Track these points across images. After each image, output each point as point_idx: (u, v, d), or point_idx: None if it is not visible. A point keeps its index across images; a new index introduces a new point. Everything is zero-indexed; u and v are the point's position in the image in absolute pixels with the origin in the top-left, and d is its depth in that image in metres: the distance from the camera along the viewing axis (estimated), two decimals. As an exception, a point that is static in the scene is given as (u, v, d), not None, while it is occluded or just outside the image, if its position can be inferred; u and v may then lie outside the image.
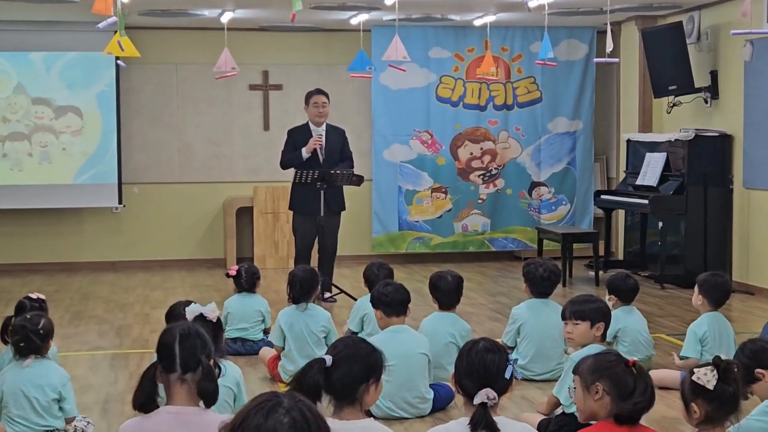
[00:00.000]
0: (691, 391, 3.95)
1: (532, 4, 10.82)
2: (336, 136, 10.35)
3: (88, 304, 10.34)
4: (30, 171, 12.60)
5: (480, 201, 13.40)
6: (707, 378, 3.90)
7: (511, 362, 3.92)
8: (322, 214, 9.98)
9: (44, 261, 12.80)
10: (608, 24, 9.24)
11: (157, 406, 3.81)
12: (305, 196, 10.04)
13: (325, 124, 10.28)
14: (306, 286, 7.17)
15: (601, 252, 12.16)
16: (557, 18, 12.01)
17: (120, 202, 12.84)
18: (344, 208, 10.36)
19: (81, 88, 12.63)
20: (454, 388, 4.02)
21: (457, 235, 13.35)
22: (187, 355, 3.79)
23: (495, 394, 3.82)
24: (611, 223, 12.72)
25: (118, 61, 11.17)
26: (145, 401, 3.78)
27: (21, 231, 12.83)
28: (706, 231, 10.90)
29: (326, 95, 10.36)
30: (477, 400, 3.82)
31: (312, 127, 10.24)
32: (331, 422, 3.77)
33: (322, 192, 9.95)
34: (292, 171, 10.20)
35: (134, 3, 10.65)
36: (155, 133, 13.12)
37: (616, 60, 10.13)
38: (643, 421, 4.12)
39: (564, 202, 13.56)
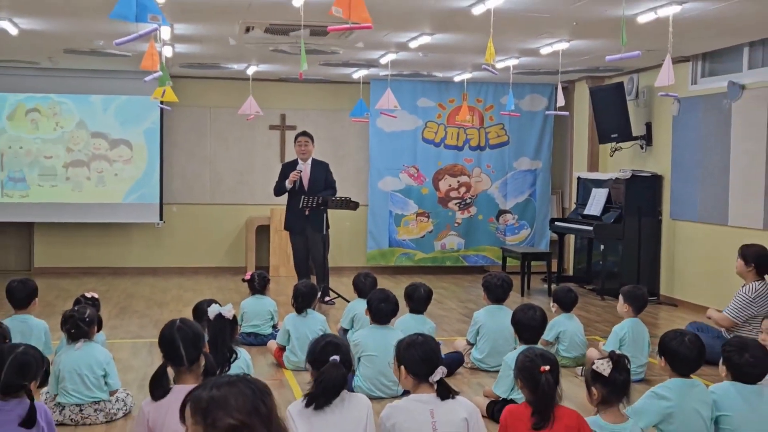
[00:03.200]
0: (591, 378, 4.21)
1: (500, 66, 11.11)
2: (320, 169, 10.50)
3: (132, 302, 10.56)
4: (88, 192, 12.79)
5: (456, 224, 13.59)
6: (603, 367, 4.16)
7: (441, 344, 4.25)
8: (312, 232, 10.18)
9: (97, 266, 13.02)
10: (559, 84, 9.50)
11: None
12: (293, 218, 10.28)
13: (311, 159, 10.47)
14: (306, 299, 7.36)
15: (555, 269, 12.40)
16: (522, 76, 12.27)
17: (161, 219, 13.02)
18: (326, 228, 10.28)
19: (131, 125, 12.83)
20: (403, 376, 4.20)
21: (436, 252, 13.54)
22: (191, 352, 4.03)
23: (446, 370, 4.15)
24: (563, 245, 12.91)
25: (162, 106, 11.43)
26: (162, 394, 4.00)
27: (79, 241, 13.04)
28: (640, 253, 11.03)
29: (309, 136, 10.51)
30: (436, 377, 4.10)
31: (299, 161, 10.46)
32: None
33: (309, 214, 10.14)
34: (285, 198, 10.52)
35: (176, 56, 10.95)
36: (191, 163, 13.34)
37: (566, 113, 10.37)
38: (566, 402, 4.39)
39: (525, 227, 13.76)
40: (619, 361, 4.20)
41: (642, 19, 7.67)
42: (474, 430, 4.09)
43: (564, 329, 7.40)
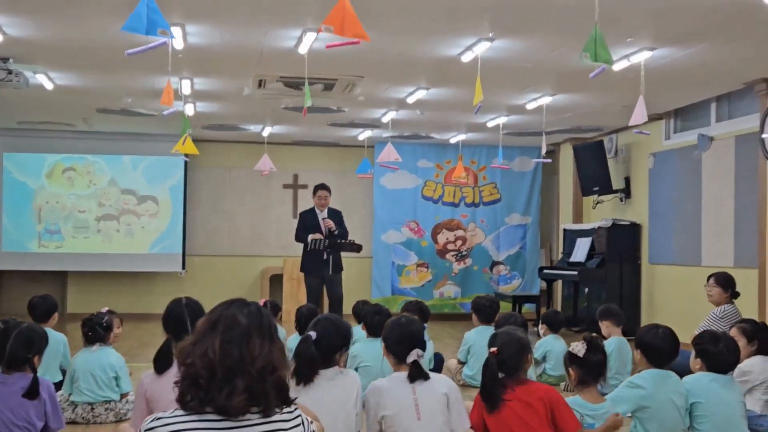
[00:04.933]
0: (568, 359, 4.01)
1: (490, 125, 11.07)
2: (334, 216, 10.14)
3: (155, 338, 10.32)
4: (117, 243, 12.70)
5: (453, 274, 13.41)
6: (578, 348, 3.96)
7: (425, 327, 4.00)
8: (330, 273, 9.88)
9: (125, 312, 12.72)
10: (543, 135, 9.44)
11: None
12: (312, 261, 9.99)
13: (327, 207, 10.26)
14: (309, 321, 7.15)
15: (544, 314, 12.13)
16: (512, 138, 12.20)
17: (183, 268, 12.91)
18: (342, 269, 10.00)
19: (158, 182, 12.79)
20: (384, 353, 3.99)
21: (435, 300, 13.30)
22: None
23: (422, 352, 3.89)
24: (552, 292, 12.70)
25: (185, 158, 11.38)
26: (166, 367, 3.83)
27: (109, 288, 12.88)
28: (622, 296, 10.85)
29: (328, 189, 10.12)
30: (410, 359, 3.86)
31: (317, 210, 10.09)
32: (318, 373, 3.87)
33: (328, 257, 9.85)
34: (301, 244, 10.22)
35: (198, 116, 10.92)
36: (212, 217, 13.24)
37: (549, 160, 10.31)
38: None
39: (517, 277, 13.55)
40: (592, 342, 4.00)
41: (616, 67, 7.59)
42: (453, 404, 3.87)
43: (551, 349, 7.19)
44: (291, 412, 2.29)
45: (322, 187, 10.24)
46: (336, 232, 9.82)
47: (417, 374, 3.85)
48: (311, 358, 3.78)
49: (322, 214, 10.09)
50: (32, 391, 3.68)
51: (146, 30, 4.43)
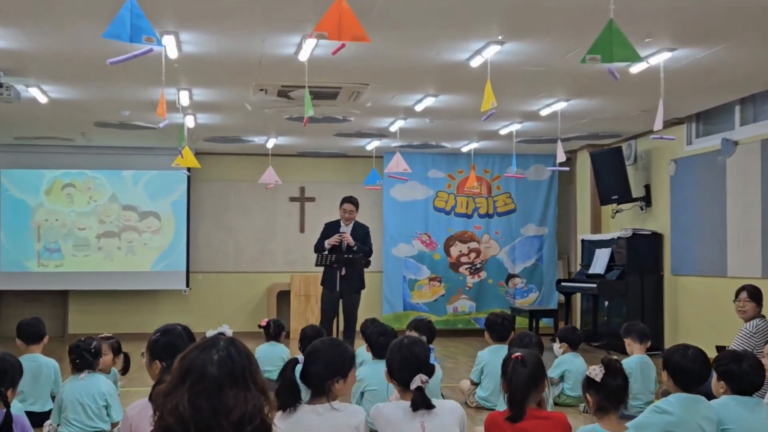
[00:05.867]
0: (586, 384, 3.78)
1: (503, 132, 10.86)
2: (360, 231, 9.71)
3: (155, 360, 10.15)
4: (118, 261, 12.55)
5: (467, 288, 13.16)
6: (595, 372, 3.72)
7: (432, 349, 3.77)
8: (338, 289, 9.61)
9: (127, 332, 12.53)
10: (559, 142, 9.20)
11: None
12: (327, 275, 9.73)
13: (353, 221, 9.79)
14: (312, 342, 6.95)
15: (563, 329, 11.88)
16: (526, 146, 11.96)
17: (187, 286, 12.73)
18: (363, 287, 9.66)
19: (160, 198, 12.63)
20: (388, 380, 3.77)
21: (449, 315, 13.07)
22: None
23: (427, 378, 3.64)
24: (571, 306, 12.44)
25: (186, 172, 11.20)
26: None
27: (111, 307, 12.72)
28: (643, 309, 10.60)
29: (354, 203, 9.69)
30: (414, 385, 3.62)
31: (342, 224, 9.70)
32: (304, 406, 3.61)
33: (343, 273, 9.60)
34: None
35: (199, 129, 10.75)
36: (216, 233, 13.07)
37: (566, 168, 10.09)
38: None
39: (534, 291, 13.29)
40: (611, 365, 3.74)
41: (634, 69, 7.36)
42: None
43: (569, 368, 6.93)
44: None
45: (348, 200, 9.74)
46: (355, 248, 9.52)
47: (420, 402, 3.61)
48: (289, 384, 3.52)
49: (346, 228, 9.70)
50: (4, 428, 3.47)
51: (130, 37, 4.24)
